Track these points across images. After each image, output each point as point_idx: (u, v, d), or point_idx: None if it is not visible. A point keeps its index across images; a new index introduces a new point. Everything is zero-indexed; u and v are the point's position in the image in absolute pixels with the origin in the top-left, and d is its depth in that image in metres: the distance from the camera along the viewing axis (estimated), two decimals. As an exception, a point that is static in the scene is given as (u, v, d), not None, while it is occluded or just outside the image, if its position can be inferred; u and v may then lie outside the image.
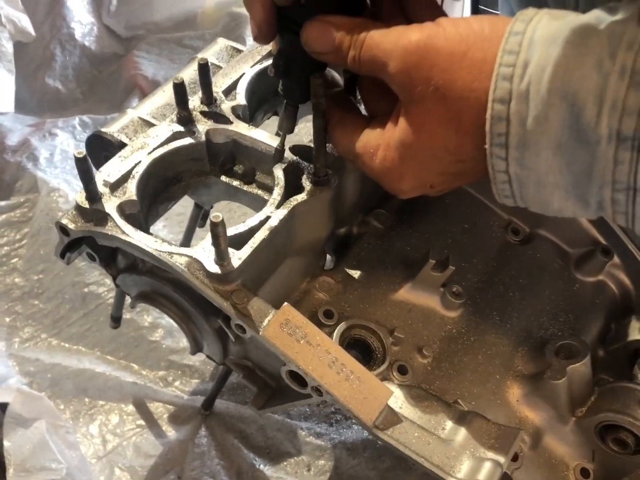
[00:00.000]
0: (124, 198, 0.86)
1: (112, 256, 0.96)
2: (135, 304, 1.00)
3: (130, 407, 1.32)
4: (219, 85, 1.02)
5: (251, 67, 1.06)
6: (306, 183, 0.88)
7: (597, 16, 0.57)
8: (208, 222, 1.25)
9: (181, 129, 0.95)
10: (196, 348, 1.00)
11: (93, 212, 0.85)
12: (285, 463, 1.24)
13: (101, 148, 0.99)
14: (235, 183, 0.97)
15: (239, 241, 0.82)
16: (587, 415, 0.93)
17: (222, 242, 0.76)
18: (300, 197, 0.86)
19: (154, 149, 0.92)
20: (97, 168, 0.89)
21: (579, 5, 0.99)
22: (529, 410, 0.93)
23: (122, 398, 1.32)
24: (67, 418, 1.29)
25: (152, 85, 1.91)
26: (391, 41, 0.67)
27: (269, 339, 0.78)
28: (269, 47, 1.09)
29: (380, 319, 0.95)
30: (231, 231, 0.81)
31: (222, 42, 1.16)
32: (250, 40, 1.91)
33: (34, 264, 1.51)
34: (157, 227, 1.53)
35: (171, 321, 1.38)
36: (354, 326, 0.92)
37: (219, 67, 1.09)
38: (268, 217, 0.84)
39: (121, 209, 0.86)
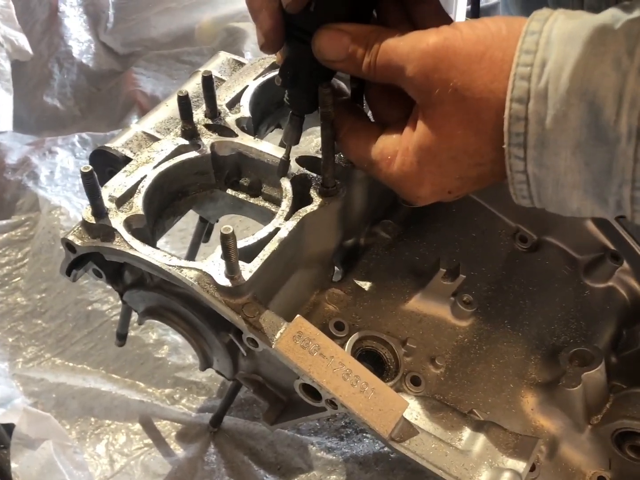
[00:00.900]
0: (130, 213, 0.85)
1: (118, 272, 0.95)
2: (142, 321, 0.99)
3: (137, 426, 1.30)
4: (222, 98, 1.02)
5: (254, 79, 1.06)
6: (314, 194, 0.87)
7: (612, 15, 0.56)
8: (214, 235, 1.26)
9: (186, 142, 0.94)
10: (206, 364, 0.99)
11: (99, 228, 0.84)
12: (296, 479, 1.22)
13: (105, 163, 0.98)
14: (242, 196, 0.97)
15: (249, 254, 0.81)
16: (603, 423, 0.92)
17: (232, 255, 0.75)
18: (309, 208, 0.86)
19: (159, 163, 0.91)
20: (101, 183, 0.88)
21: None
22: (544, 418, 0.92)
23: (128, 417, 1.31)
24: (73, 438, 1.27)
25: (151, 101, 1.90)
26: (408, 45, 0.67)
27: (282, 352, 0.77)
28: (271, 59, 1.09)
29: (392, 330, 0.94)
30: (241, 244, 0.80)
31: (223, 56, 1.15)
32: (249, 54, 1.92)
33: (36, 282, 1.50)
34: (160, 243, 1.49)
35: (177, 338, 1.39)
36: (366, 337, 0.91)
37: (222, 80, 1.08)
38: (277, 229, 0.83)
39: (128, 223, 0.85)
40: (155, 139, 0.98)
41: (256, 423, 1.27)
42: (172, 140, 0.94)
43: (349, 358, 0.78)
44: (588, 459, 0.92)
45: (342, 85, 0.91)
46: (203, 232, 1.24)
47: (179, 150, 0.93)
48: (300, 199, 0.88)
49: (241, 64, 1.13)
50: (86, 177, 0.80)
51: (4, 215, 1.60)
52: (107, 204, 0.85)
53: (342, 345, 0.89)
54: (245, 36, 2.00)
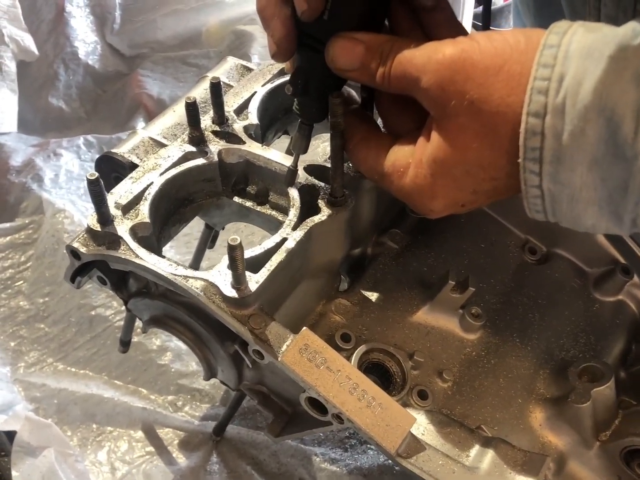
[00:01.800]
0: (136, 220, 0.84)
1: (123, 280, 0.94)
2: (147, 329, 0.97)
3: (140, 434, 1.29)
4: (230, 104, 1.01)
5: (262, 85, 1.05)
6: (322, 204, 0.86)
7: (633, 29, 0.55)
8: (219, 242, 1.25)
9: (193, 149, 0.93)
10: (210, 374, 0.97)
11: (105, 235, 0.83)
12: (299, 490, 1.21)
13: (111, 169, 0.97)
14: (248, 204, 0.96)
15: (255, 264, 0.80)
16: (612, 440, 0.90)
17: (239, 266, 0.74)
18: (317, 218, 0.85)
19: (166, 170, 0.90)
20: (107, 189, 0.87)
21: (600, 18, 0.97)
22: (553, 434, 0.91)
23: (130, 424, 1.30)
24: (74, 445, 1.26)
25: (156, 104, 1.90)
26: (424, 55, 0.66)
27: (288, 365, 0.76)
28: (279, 66, 1.08)
29: (399, 342, 0.93)
30: (247, 254, 0.79)
31: (231, 61, 1.14)
32: (256, 58, 1.90)
33: (39, 286, 1.49)
34: (164, 248, 1.50)
35: (180, 344, 1.38)
36: (373, 350, 0.90)
37: (230, 86, 1.07)
38: (284, 239, 0.82)
39: (134, 231, 0.84)
40: (162, 145, 0.97)
41: (259, 432, 1.26)
42: (179, 147, 0.93)
43: (356, 372, 0.77)
44: (596, 476, 0.91)
45: (353, 93, 0.90)
46: (208, 239, 1.23)
47: (186, 157, 0.93)
48: (308, 208, 0.87)
49: (249, 70, 1.12)
50: (92, 184, 0.79)
51: (8, 218, 1.59)
52: (113, 211, 0.84)
53: (349, 358, 0.88)
54: (253, 39, 1.99)
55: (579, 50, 0.57)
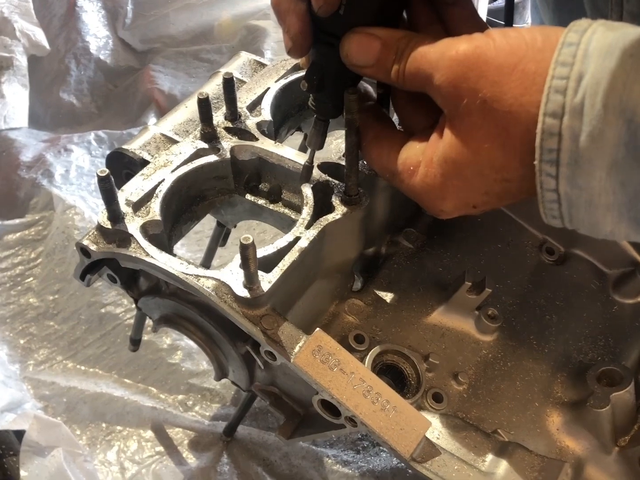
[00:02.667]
0: (147, 218, 0.83)
1: (133, 278, 0.93)
2: (157, 328, 0.96)
3: (149, 433, 1.28)
4: (243, 100, 0.99)
5: (276, 81, 1.04)
6: (337, 202, 0.85)
7: None
8: (231, 239, 1.23)
9: (205, 145, 0.92)
10: (221, 374, 0.96)
11: (115, 233, 0.82)
12: (311, 493, 1.20)
13: (122, 165, 0.96)
14: (261, 202, 0.94)
15: (268, 263, 0.78)
16: (631, 445, 0.88)
17: (251, 265, 0.73)
18: (331, 216, 0.83)
19: (178, 167, 0.89)
20: (117, 186, 0.86)
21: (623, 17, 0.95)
22: (570, 439, 0.89)
23: (140, 423, 1.28)
24: (83, 444, 1.25)
25: (168, 99, 1.88)
26: (437, 52, 0.64)
27: (301, 367, 0.74)
28: (293, 61, 1.07)
29: (413, 344, 0.91)
30: (260, 253, 0.77)
31: (245, 56, 1.13)
32: (268, 53, 1.89)
33: (49, 283, 1.48)
34: (175, 245, 1.49)
35: (191, 343, 1.36)
36: (387, 351, 0.89)
37: (243, 82, 1.06)
38: (298, 238, 0.81)
39: (144, 229, 0.82)
40: (174, 142, 0.96)
41: (270, 433, 1.24)
42: (191, 143, 0.92)
43: (370, 374, 0.75)
44: (615, 482, 0.89)
45: (369, 89, 0.88)
46: (220, 237, 1.22)
47: (198, 154, 0.91)
48: (321, 207, 0.86)
49: (262, 65, 1.11)
50: (103, 181, 0.78)
51: (18, 214, 1.58)
52: (124, 208, 0.83)
53: (362, 359, 0.86)
54: (266, 34, 1.97)
55: (598, 49, 0.55)
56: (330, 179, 0.88)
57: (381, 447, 1.21)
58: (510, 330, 0.96)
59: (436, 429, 0.83)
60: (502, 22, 1.79)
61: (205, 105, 0.90)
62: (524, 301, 0.99)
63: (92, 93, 2.02)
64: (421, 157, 0.71)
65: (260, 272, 0.76)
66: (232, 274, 0.77)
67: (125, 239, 0.82)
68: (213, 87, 1.04)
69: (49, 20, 2.04)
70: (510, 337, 0.95)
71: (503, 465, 0.79)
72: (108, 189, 0.79)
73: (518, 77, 0.60)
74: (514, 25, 1.80)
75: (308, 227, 0.82)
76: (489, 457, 0.80)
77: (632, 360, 0.98)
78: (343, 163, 0.84)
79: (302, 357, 0.75)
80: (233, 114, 0.95)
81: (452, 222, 1.02)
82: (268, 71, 1.06)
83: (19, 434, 1.08)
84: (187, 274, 0.78)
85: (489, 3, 2.41)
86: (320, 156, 0.89)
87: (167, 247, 0.86)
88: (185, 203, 0.93)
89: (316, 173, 0.88)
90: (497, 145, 0.63)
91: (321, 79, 0.76)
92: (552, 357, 0.95)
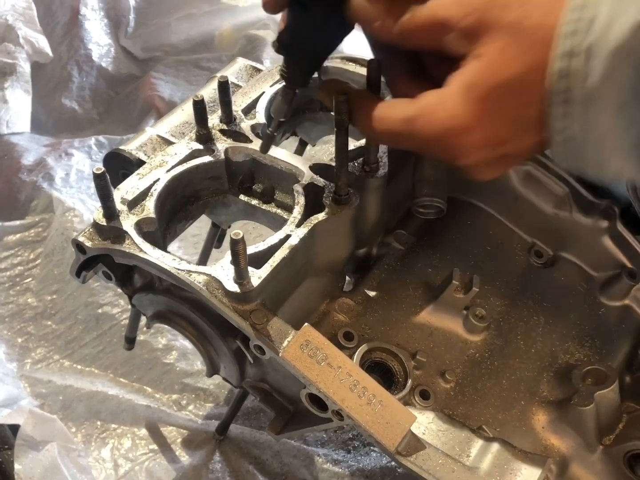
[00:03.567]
0: (141, 215, 0.85)
1: (128, 275, 0.95)
2: (151, 324, 0.98)
3: (143, 431, 1.29)
4: (238, 104, 1.01)
5: (271, 86, 1.06)
6: (327, 202, 0.86)
7: None
8: (226, 241, 1.25)
9: (200, 147, 0.94)
10: (213, 370, 0.98)
11: (110, 230, 0.83)
12: (301, 491, 1.21)
13: (119, 165, 0.98)
14: (254, 202, 0.96)
15: (259, 260, 0.80)
16: (615, 444, 0.90)
17: (241, 261, 0.74)
18: (321, 215, 0.85)
19: (173, 167, 0.91)
20: (114, 186, 0.88)
21: None
22: (555, 437, 0.91)
23: (134, 421, 1.30)
24: (78, 441, 1.26)
25: (168, 106, 1.90)
26: None
27: (289, 361, 0.76)
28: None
29: (402, 342, 0.93)
30: (251, 249, 0.79)
31: (241, 62, 1.15)
32: (267, 62, 1.91)
33: (47, 284, 1.50)
34: (172, 247, 1.51)
35: (186, 343, 1.38)
36: (375, 349, 0.90)
37: (239, 87, 1.08)
38: (288, 236, 0.82)
39: (139, 226, 0.84)
40: (170, 143, 0.98)
41: (262, 432, 1.25)
42: (187, 145, 0.94)
43: (357, 369, 0.77)
44: (599, 480, 0.91)
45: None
46: (215, 238, 1.24)
47: (193, 155, 0.93)
48: (313, 207, 0.87)
49: (258, 71, 1.13)
50: (98, 178, 0.80)
51: (18, 216, 1.60)
52: (119, 206, 0.85)
53: (351, 356, 0.88)
54: (265, 44, 2.00)
55: None
56: (321, 179, 0.89)
57: (372, 447, 1.22)
58: (497, 330, 0.98)
59: (422, 425, 0.84)
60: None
61: (200, 107, 0.91)
62: (512, 302, 1.01)
63: (94, 99, 2.05)
64: (441, 96, 0.67)
65: (250, 268, 0.77)
66: (223, 270, 0.79)
67: (120, 235, 0.83)
68: (209, 91, 1.06)
69: (52, 28, 2.06)
70: (498, 337, 0.97)
71: (487, 460, 0.80)
72: (103, 186, 0.81)
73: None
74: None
75: (299, 225, 0.84)
76: (474, 452, 0.81)
77: (618, 361, 1.00)
78: (334, 164, 0.85)
79: (290, 351, 0.76)
80: (228, 117, 0.97)
81: (443, 224, 1.05)
82: (263, 76, 1.08)
83: (14, 428, 1.09)
84: (178, 269, 0.79)
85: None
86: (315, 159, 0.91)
87: (161, 244, 0.88)
88: (180, 202, 0.94)
89: (308, 174, 0.90)
90: (525, 63, 0.62)
91: (291, 41, 0.75)
92: (538, 357, 0.96)
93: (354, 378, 0.76)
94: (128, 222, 0.84)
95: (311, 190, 0.89)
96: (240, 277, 0.76)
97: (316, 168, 0.91)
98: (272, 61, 1.95)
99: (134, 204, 0.87)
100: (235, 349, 0.89)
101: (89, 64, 2.06)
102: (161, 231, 0.90)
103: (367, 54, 0.82)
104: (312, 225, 0.83)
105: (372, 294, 0.98)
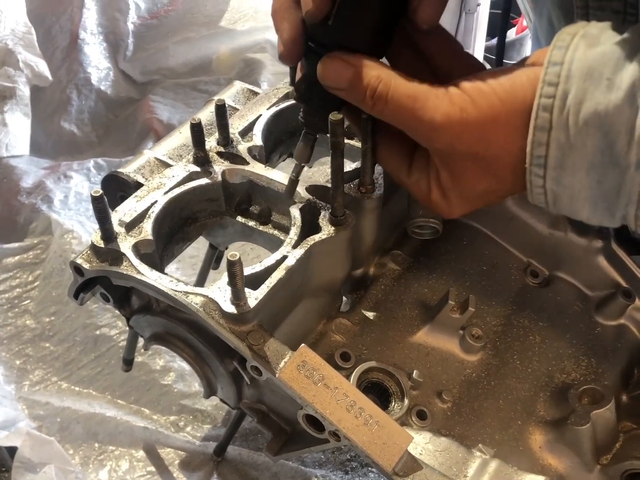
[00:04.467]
0: (139, 237, 0.85)
1: (126, 297, 0.95)
2: (148, 346, 0.98)
3: (141, 453, 1.29)
4: (235, 126, 1.02)
5: (267, 109, 1.07)
6: (323, 223, 0.87)
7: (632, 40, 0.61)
8: (223, 263, 1.25)
9: (197, 169, 0.95)
10: (210, 391, 0.98)
11: (108, 252, 0.84)
12: (299, 512, 1.20)
13: (117, 188, 0.99)
14: (251, 223, 0.97)
15: (255, 281, 0.80)
16: (613, 463, 0.90)
17: (238, 282, 0.75)
18: (318, 236, 0.85)
19: (171, 189, 0.92)
20: (112, 208, 0.89)
21: None
22: (552, 457, 0.90)
23: (132, 443, 1.30)
24: (76, 463, 1.26)
25: (167, 129, 1.92)
26: (420, 110, 0.69)
27: (286, 382, 0.76)
28: (285, 89, 1.10)
29: (398, 362, 0.93)
30: (247, 271, 0.80)
31: (238, 85, 1.16)
32: (265, 85, 1.93)
33: (45, 306, 1.50)
34: (170, 269, 1.52)
35: (183, 365, 1.38)
36: (372, 369, 0.90)
37: (236, 109, 1.09)
38: (285, 257, 0.83)
39: (137, 248, 0.85)
40: (168, 165, 0.99)
41: (260, 454, 1.25)
42: (184, 167, 0.95)
43: (354, 389, 0.77)
44: (597, 500, 0.90)
45: None
46: (212, 259, 1.24)
47: (191, 177, 0.94)
48: (309, 228, 0.88)
49: (255, 94, 1.14)
50: (96, 200, 0.81)
51: (17, 238, 1.61)
52: (117, 228, 0.86)
53: (348, 377, 0.88)
54: (262, 67, 2.02)
55: (579, 70, 0.63)
56: (318, 200, 0.90)
57: (370, 468, 1.22)
58: (494, 350, 0.98)
59: (419, 445, 0.84)
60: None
61: (197, 130, 0.92)
62: (508, 322, 1.01)
63: (93, 122, 2.06)
64: (427, 192, 0.78)
65: (247, 289, 0.78)
66: (220, 291, 0.79)
67: (117, 257, 0.84)
68: (207, 114, 1.07)
69: (51, 52, 2.08)
70: (494, 356, 0.97)
71: (484, 480, 0.80)
72: (101, 208, 0.81)
73: (501, 130, 0.68)
74: (512, 61, 1.84)
75: (295, 246, 0.85)
76: (471, 472, 0.82)
77: (615, 380, 0.99)
78: (330, 185, 0.85)
79: (287, 372, 0.76)
80: (225, 139, 0.98)
81: (439, 245, 1.05)
82: (260, 99, 1.09)
83: (12, 450, 1.09)
84: (176, 291, 0.80)
85: (487, 41, 2.47)
86: (312, 181, 0.92)
87: (158, 266, 0.88)
88: (178, 224, 0.95)
89: (304, 195, 0.90)
90: (488, 178, 0.73)
91: (309, 89, 0.77)
92: (535, 377, 0.96)
93: (350, 399, 0.76)
94: (126, 244, 0.84)
95: (308, 212, 0.89)
96: (237, 298, 0.77)
97: (312, 189, 0.92)
98: (269, 84, 1.97)
99: (131, 226, 0.87)
100: (232, 370, 0.89)
101: (88, 88, 2.08)
102: (159, 253, 0.91)
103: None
104: (308, 246, 0.84)
105: (369, 314, 0.98)
